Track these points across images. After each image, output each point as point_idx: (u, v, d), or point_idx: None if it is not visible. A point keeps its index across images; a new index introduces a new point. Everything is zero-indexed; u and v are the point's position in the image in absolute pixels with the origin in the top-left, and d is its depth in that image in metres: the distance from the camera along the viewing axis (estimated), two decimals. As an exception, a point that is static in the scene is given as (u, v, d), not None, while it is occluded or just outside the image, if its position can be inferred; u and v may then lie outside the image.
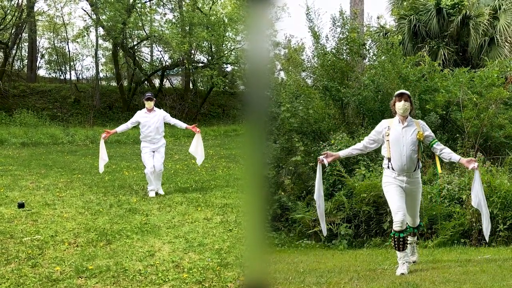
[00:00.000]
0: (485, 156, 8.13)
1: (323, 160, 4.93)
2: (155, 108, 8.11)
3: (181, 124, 8.36)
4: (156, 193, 7.95)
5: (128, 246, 5.17)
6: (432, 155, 8.06)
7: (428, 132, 4.81)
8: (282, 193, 7.91)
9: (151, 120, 7.94)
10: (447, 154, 4.80)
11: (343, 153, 5.11)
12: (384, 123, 4.89)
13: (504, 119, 9.04)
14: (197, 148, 8.25)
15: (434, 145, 4.82)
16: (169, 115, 8.30)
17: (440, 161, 5.16)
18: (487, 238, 4.96)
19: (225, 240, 5.43)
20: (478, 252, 6.01)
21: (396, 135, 4.73)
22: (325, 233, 5.32)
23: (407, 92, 4.83)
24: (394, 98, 4.84)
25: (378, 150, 8.22)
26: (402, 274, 4.63)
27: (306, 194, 7.90)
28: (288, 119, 8.94)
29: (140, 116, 8.01)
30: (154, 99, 8.19)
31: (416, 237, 5.15)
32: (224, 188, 8.54)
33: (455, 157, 4.78)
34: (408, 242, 4.86)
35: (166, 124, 8.28)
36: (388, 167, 4.78)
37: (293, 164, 8.28)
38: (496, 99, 8.88)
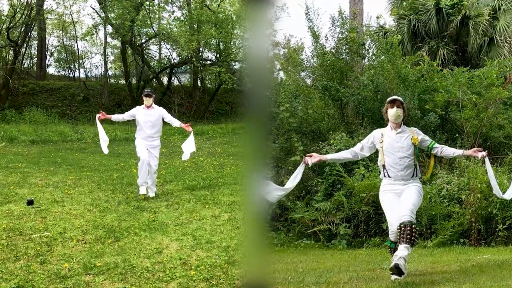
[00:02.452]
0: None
1: (307, 161, 4.72)
2: (154, 105, 7.90)
3: (176, 122, 8.01)
4: (147, 190, 7.69)
5: (136, 243, 5.19)
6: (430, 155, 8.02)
7: (422, 136, 4.68)
8: None
9: (149, 116, 7.76)
10: (450, 151, 4.69)
11: (330, 156, 5.00)
12: (377, 132, 4.78)
13: (504, 119, 9.00)
14: (188, 145, 7.96)
15: (433, 146, 4.68)
16: (166, 112, 8.04)
17: (434, 164, 5.03)
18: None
19: (233, 238, 5.43)
20: (478, 252, 6.01)
21: (389, 142, 4.61)
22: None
23: (400, 98, 4.67)
24: (386, 105, 4.69)
25: (378, 151, 8.23)
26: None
27: (305, 194, 7.90)
28: (287, 119, 8.93)
29: (138, 111, 7.82)
30: (153, 96, 7.95)
31: (410, 249, 4.38)
32: (232, 186, 8.54)
33: (458, 152, 4.69)
34: (399, 254, 4.40)
35: (164, 124, 8.04)
36: (384, 175, 4.66)
37: (292, 164, 8.26)
38: (495, 99, 8.84)
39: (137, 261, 4.59)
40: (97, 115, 7.67)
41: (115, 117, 7.92)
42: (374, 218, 7.17)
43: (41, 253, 4.80)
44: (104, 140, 7.67)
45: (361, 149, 4.82)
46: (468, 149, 8.03)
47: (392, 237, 4.58)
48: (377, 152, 4.82)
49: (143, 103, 7.88)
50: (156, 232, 5.61)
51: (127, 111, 8.21)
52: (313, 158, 4.75)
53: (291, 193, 7.99)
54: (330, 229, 7.16)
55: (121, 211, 6.66)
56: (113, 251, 4.89)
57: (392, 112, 4.60)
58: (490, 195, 6.66)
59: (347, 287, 4.18)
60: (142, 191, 7.55)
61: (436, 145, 4.72)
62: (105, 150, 7.71)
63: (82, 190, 8.11)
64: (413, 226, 4.39)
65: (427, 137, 4.74)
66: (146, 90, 7.96)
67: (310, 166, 4.80)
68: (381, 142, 4.66)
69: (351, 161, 7.85)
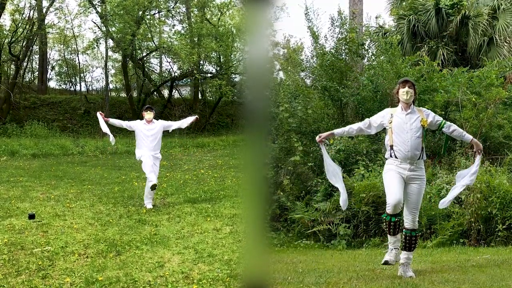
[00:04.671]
0: (484, 156, 8.12)
1: (320, 138, 4.93)
2: (154, 120, 7.96)
3: (185, 122, 8.16)
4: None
5: (137, 257, 5.17)
6: (431, 156, 8.05)
7: (432, 117, 4.72)
8: (281, 193, 7.93)
9: (150, 131, 7.81)
10: (459, 133, 4.75)
11: (337, 131, 5.06)
12: (387, 111, 4.85)
13: (503, 119, 9.05)
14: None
15: (444, 126, 4.72)
16: (167, 121, 8.19)
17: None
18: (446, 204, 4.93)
19: (235, 251, 5.41)
20: (477, 252, 6.03)
21: (399, 122, 4.65)
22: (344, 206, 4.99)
23: (411, 79, 4.74)
24: (397, 85, 4.78)
25: (377, 151, 8.25)
26: (386, 262, 4.61)
27: (305, 194, 7.91)
28: (286, 119, 8.95)
29: (139, 125, 7.87)
30: (153, 111, 8.03)
31: (412, 254, 4.73)
32: (233, 198, 8.52)
33: (467, 137, 4.77)
34: (402, 261, 4.66)
35: (165, 133, 8.13)
36: (391, 155, 4.66)
37: (292, 164, 8.28)
38: (495, 99, 8.89)
39: (139, 275, 4.57)
40: (99, 112, 7.95)
41: (113, 120, 8.07)
42: (373, 218, 7.20)
43: (43, 267, 4.78)
44: (108, 134, 7.84)
45: (368, 126, 4.89)
46: (468, 150, 8.12)
47: (389, 210, 4.58)
48: (378, 135, 4.88)
49: (143, 118, 7.96)
50: (157, 246, 5.59)
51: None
52: (323, 135, 4.94)
53: (291, 193, 8.02)
54: (329, 229, 7.19)
55: (123, 224, 6.65)
56: (115, 265, 4.88)
57: (403, 91, 4.66)
58: (489, 195, 6.70)
59: (347, 287, 4.16)
60: (149, 206, 7.78)
61: (447, 125, 4.74)
62: (113, 141, 8.01)
63: (83, 203, 8.11)
64: (416, 235, 4.64)
65: (438, 117, 4.78)
66: (147, 106, 8.11)
67: (328, 143, 4.93)
68: (390, 123, 4.69)
69: (351, 161, 7.94)
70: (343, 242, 6.96)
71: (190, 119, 8.17)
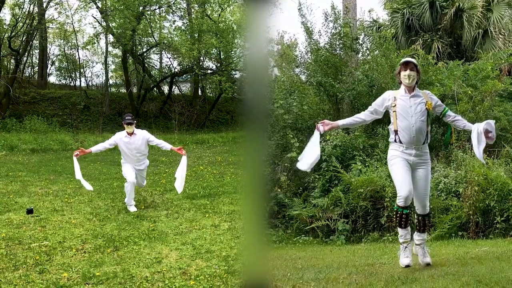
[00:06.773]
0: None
1: (320, 128, 4.60)
2: (136, 131, 7.40)
3: (166, 146, 7.50)
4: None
5: (135, 252, 5.17)
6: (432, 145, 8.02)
7: (435, 102, 4.53)
8: (279, 190, 7.92)
9: (132, 144, 7.33)
10: (461, 123, 4.54)
11: (342, 122, 4.75)
12: (389, 94, 4.60)
13: (499, 112, 8.99)
14: (180, 173, 7.18)
15: (446, 113, 4.54)
16: (152, 136, 7.55)
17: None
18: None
19: (233, 247, 5.40)
20: (476, 244, 6.01)
21: (403, 106, 4.44)
22: None
23: (413, 60, 4.51)
24: (399, 66, 4.55)
25: (374, 145, 8.23)
26: (408, 266, 4.46)
27: (303, 190, 7.90)
28: (282, 115, 8.93)
29: (119, 138, 7.34)
30: (135, 122, 7.47)
31: (426, 234, 4.74)
32: (232, 195, 8.52)
33: (469, 125, 4.50)
34: (417, 243, 4.67)
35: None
36: (395, 140, 4.49)
37: (288, 160, 8.27)
38: (490, 91, 8.84)
39: (136, 271, 4.57)
40: (75, 153, 7.21)
41: (95, 149, 7.39)
42: (372, 213, 7.20)
43: (40, 262, 4.78)
44: (79, 177, 7.07)
45: (374, 112, 4.66)
46: (465, 143, 8.10)
47: (400, 203, 4.39)
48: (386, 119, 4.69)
49: (124, 130, 7.40)
50: (155, 242, 5.59)
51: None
52: (325, 126, 4.62)
53: (288, 190, 8.02)
54: (328, 225, 7.18)
55: (121, 220, 6.65)
56: (113, 261, 4.88)
57: (405, 75, 4.45)
58: (487, 187, 6.71)
59: (347, 283, 4.16)
60: (133, 209, 7.31)
61: (449, 113, 4.57)
62: (88, 187, 7.11)
63: (82, 199, 8.11)
64: (428, 216, 4.63)
65: (440, 102, 4.60)
66: (127, 118, 7.37)
67: (322, 133, 4.65)
68: (394, 106, 4.50)
69: (348, 156, 7.89)
70: (342, 237, 6.97)
71: (174, 148, 7.44)
